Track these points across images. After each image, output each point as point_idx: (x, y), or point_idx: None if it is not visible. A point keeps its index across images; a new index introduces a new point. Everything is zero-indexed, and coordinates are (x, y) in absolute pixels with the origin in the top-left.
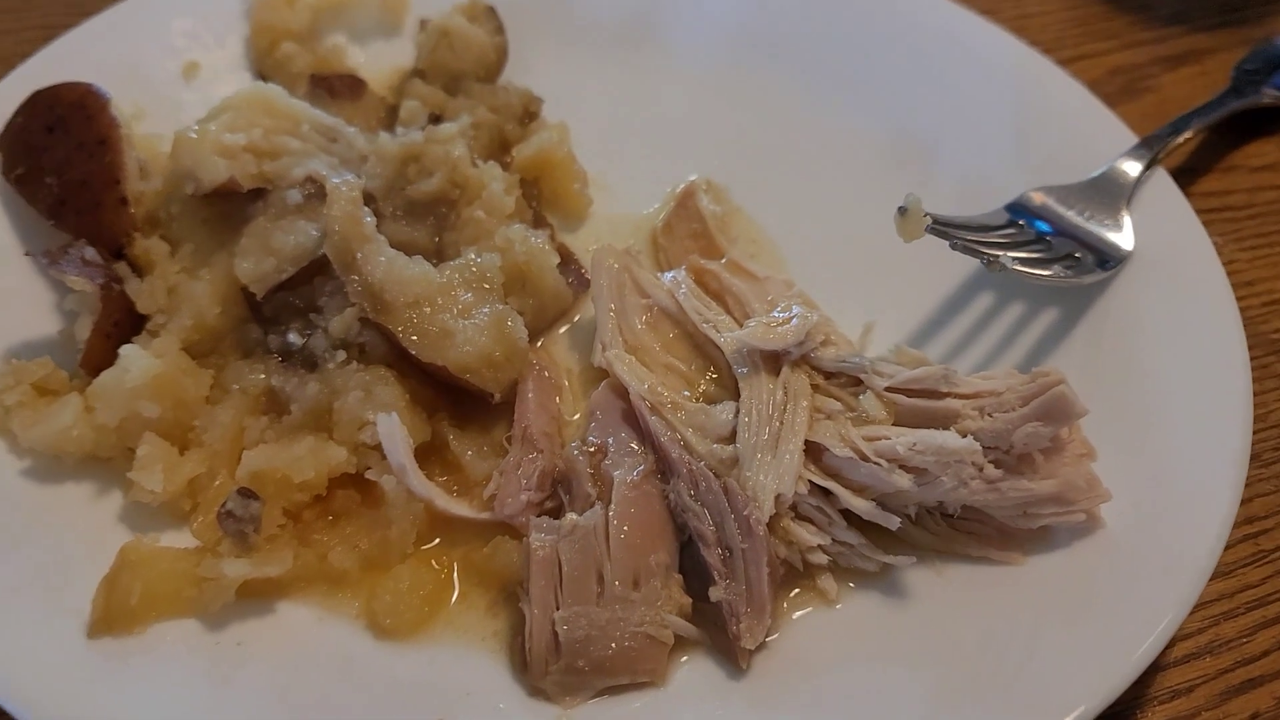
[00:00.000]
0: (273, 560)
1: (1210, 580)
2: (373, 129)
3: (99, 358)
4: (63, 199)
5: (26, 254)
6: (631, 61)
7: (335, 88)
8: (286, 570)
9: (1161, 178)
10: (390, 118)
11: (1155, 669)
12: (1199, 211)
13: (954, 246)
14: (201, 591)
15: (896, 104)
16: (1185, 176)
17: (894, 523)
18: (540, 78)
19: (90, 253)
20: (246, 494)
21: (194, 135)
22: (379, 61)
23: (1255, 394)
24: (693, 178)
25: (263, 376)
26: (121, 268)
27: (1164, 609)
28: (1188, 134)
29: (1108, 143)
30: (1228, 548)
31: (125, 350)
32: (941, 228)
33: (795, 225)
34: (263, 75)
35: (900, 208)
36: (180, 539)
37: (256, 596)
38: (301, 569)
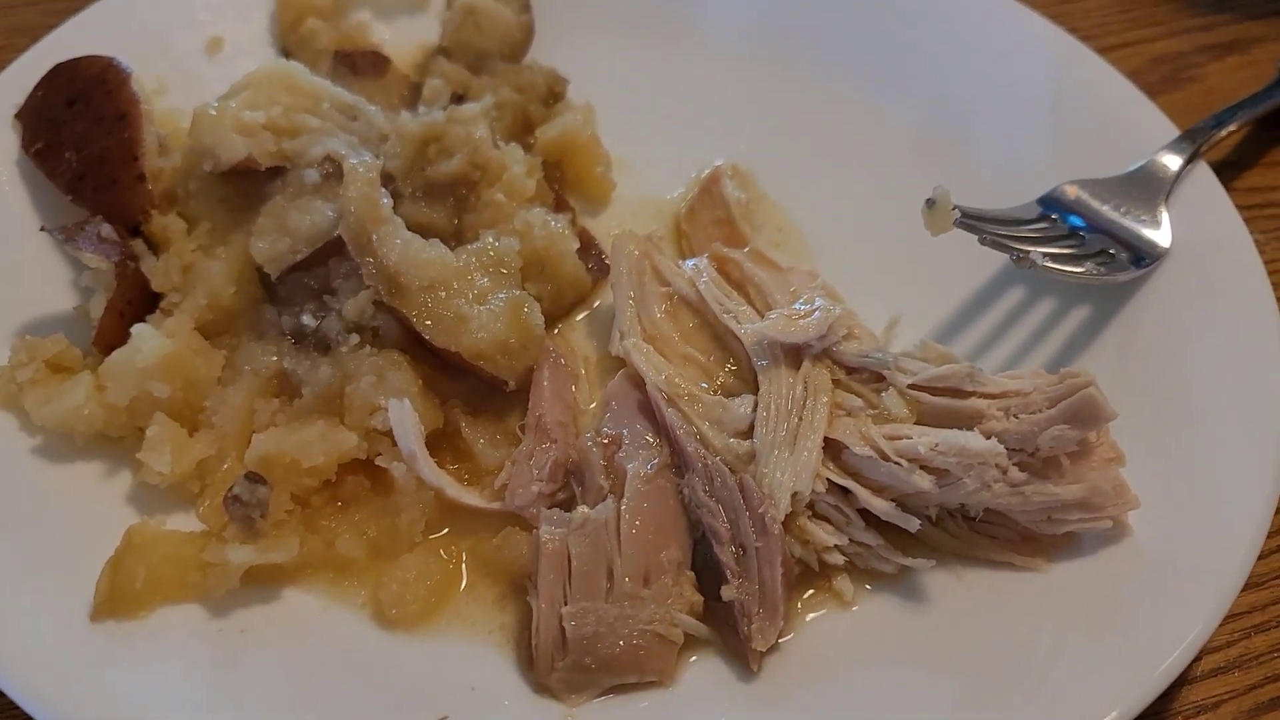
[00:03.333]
0: (279, 547)
1: (1241, 592)
2: (395, 107)
3: (112, 336)
4: (81, 174)
5: (42, 229)
6: (659, 43)
7: (359, 65)
8: (292, 557)
9: (1203, 172)
10: (414, 96)
11: (1181, 683)
12: (1241, 208)
13: (983, 241)
14: (206, 577)
15: (928, 91)
16: (1227, 171)
17: (913, 524)
18: (566, 58)
19: (106, 229)
20: (254, 479)
21: (213, 112)
22: (403, 38)
23: None
24: (718, 163)
25: (275, 358)
26: (138, 245)
27: (1192, 621)
28: (1232, 127)
29: (1148, 135)
30: (1261, 558)
31: (137, 329)
32: (970, 221)
33: (822, 214)
34: (286, 51)
35: (928, 200)
36: (188, 522)
37: (262, 583)
38: (308, 555)
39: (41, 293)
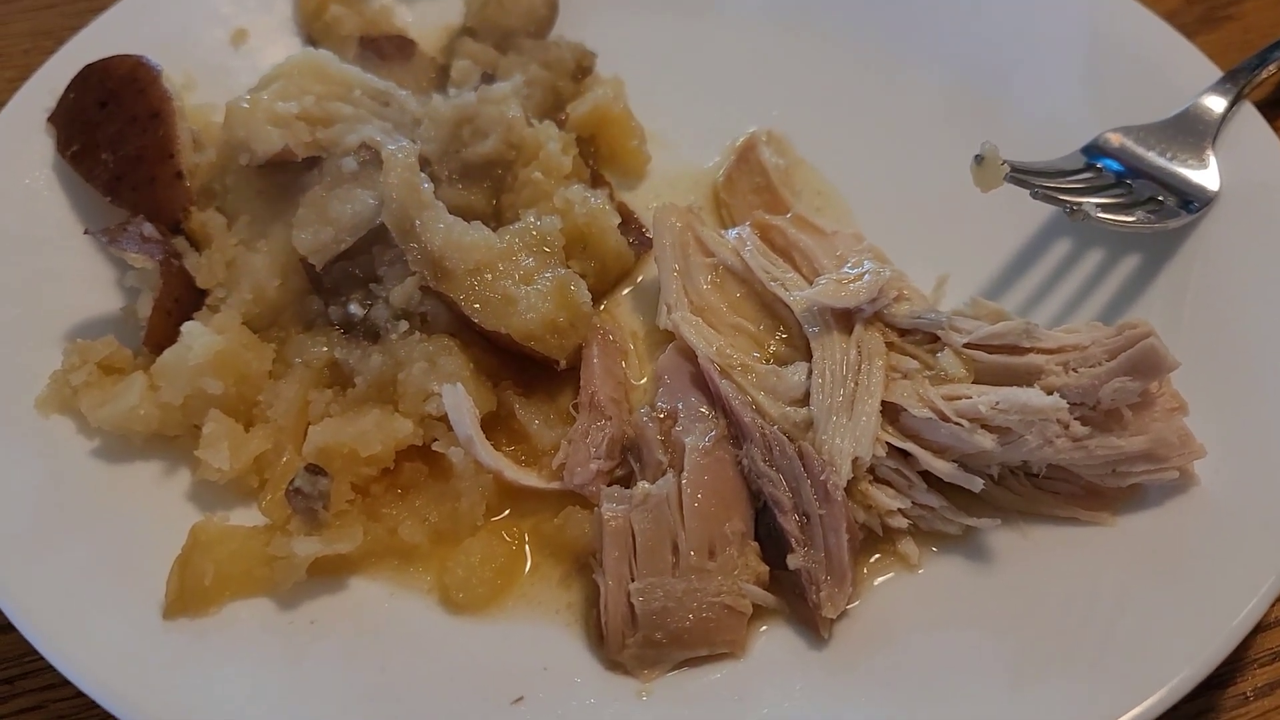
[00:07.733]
0: (343, 537)
1: None
2: (424, 90)
3: (161, 334)
4: (119, 175)
5: (86, 232)
6: (685, 11)
7: (385, 50)
8: (357, 546)
9: (1249, 114)
10: (441, 78)
11: (1255, 629)
12: None
13: (1034, 195)
14: (273, 570)
15: (960, 44)
16: (1271, 110)
17: (976, 484)
18: (592, 31)
19: (149, 229)
20: (314, 470)
21: (246, 105)
22: (427, 21)
23: None
24: (753, 129)
25: (325, 349)
26: (180, 242)
27: (1266, 570)
28: (1273, 67)
29: (1188, 78)
30: None
31: (187, 327)
32: (1020, 175)
33: (861, 175)
34: (311, 39)
35: (977, 156)
36: (250, 516)
37: (328, 573)
38: (372, 544)
39: (87, 295)
